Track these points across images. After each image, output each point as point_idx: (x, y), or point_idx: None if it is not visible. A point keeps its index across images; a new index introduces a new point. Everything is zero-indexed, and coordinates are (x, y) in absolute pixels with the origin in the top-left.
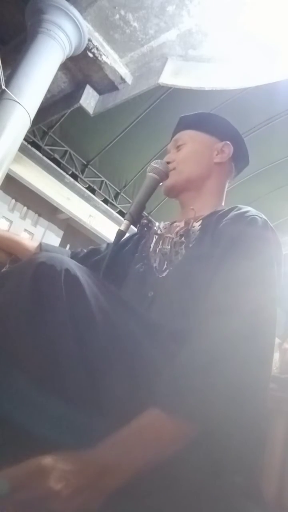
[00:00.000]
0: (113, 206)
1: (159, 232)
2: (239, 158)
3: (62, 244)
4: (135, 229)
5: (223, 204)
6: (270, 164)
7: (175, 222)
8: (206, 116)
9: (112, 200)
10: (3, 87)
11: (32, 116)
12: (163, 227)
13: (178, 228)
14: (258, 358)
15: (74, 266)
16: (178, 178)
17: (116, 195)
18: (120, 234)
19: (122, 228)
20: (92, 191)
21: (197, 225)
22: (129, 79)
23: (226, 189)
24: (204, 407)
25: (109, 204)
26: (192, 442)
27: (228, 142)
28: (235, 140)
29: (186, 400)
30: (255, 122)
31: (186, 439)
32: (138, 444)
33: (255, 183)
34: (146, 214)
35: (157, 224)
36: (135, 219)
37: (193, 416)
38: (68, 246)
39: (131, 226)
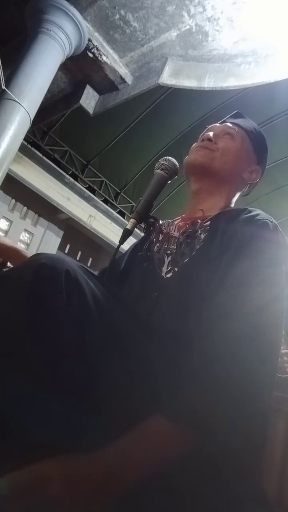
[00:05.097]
0: (113, 206)
1: (164, 231)
2: (249, 189)
3: (62, 244)
4: (142, 227)
5: (232, 206)
6: (270, 164)
7: (181, 220)
8: (262, 135)
9: (112, 200)
10: (3, 87)
11: (32, 116)
12: (168, 225)
13: (184, 228)
14: (261, 361)
15: (76, 267)
16: (212, 162)
17: (116, 195)
18: (127, 232)
19: (129, 226)
20: (92, 191)
21: (205, 225)
22: (129, 79)
23: (234, 202)
24: (209, 415)
25: (109, 204)
26: (195, 447)
27: (260, 169)
28: (262, 173)
29: (191, 409)
30: (254, 122)
31: (190, 446)
32: (143, 450)
33: None
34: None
35: (162, 222)
36: (142, 218)
37: (198, 424)
38: (68, 246)
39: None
